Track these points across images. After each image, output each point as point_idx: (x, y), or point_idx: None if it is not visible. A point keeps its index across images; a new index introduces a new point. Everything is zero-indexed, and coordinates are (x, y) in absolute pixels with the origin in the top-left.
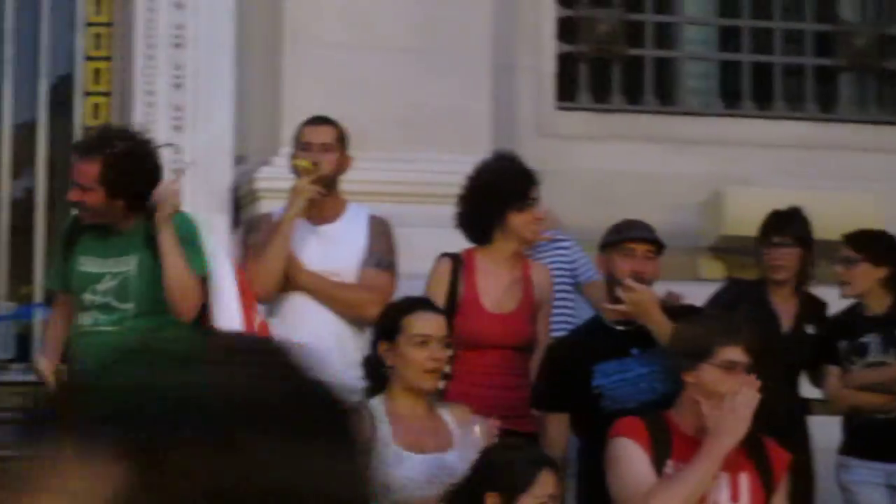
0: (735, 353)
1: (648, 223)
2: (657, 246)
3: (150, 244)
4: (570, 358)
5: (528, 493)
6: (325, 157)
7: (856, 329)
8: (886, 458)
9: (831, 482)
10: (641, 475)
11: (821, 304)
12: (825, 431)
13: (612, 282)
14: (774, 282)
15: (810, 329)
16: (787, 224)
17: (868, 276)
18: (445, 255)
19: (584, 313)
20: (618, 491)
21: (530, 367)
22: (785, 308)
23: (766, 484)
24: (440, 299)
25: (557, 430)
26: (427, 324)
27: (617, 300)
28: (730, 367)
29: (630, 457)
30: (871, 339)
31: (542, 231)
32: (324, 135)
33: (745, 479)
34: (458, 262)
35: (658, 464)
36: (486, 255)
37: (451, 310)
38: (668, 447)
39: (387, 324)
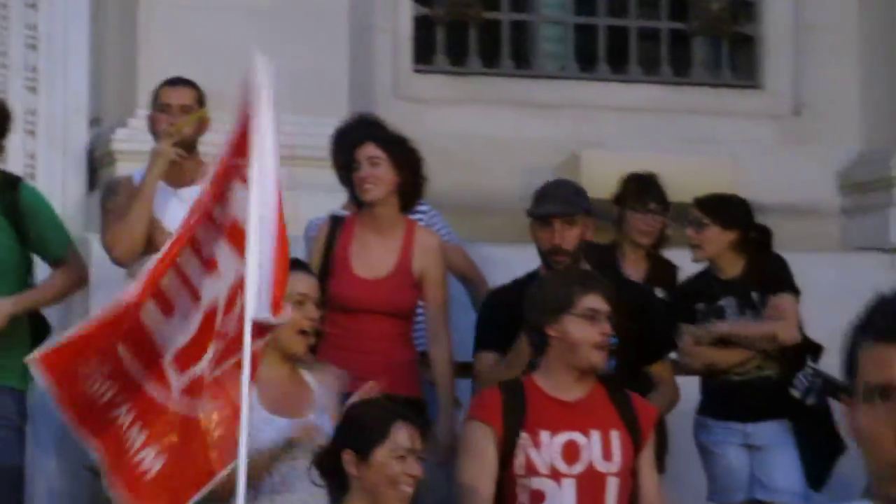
0: (596, 301)
1: (574, 186)
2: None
3: (6, 210)
4: (504, 308)
5: (382, 446)
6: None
7: (712, 292)
8: (743, 418)
9: (687, 442)
10: (482, 480)
11: (671, 268)
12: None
13: (540, 251)
14: (633, 244)
15: (660, 293)
16: (654, 189)
17: (718, 239)
18: (331, 216)
19: None
20: (460, 486)
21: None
22: (635, 271)
23: (634, 440)
24: (316, 260)
25: (484, 365)
26: (303, 284)
27: (548, 268)
28: (592, 315)
29: (476, 451)
30: (727, 303)
31: (373, 191)
32: (183, 96)
33: (616, 437)
34: (337, 224)
35: (510, 441)
36: (365, 219)
37: (325, 272)
38: (521, 418)
39: None
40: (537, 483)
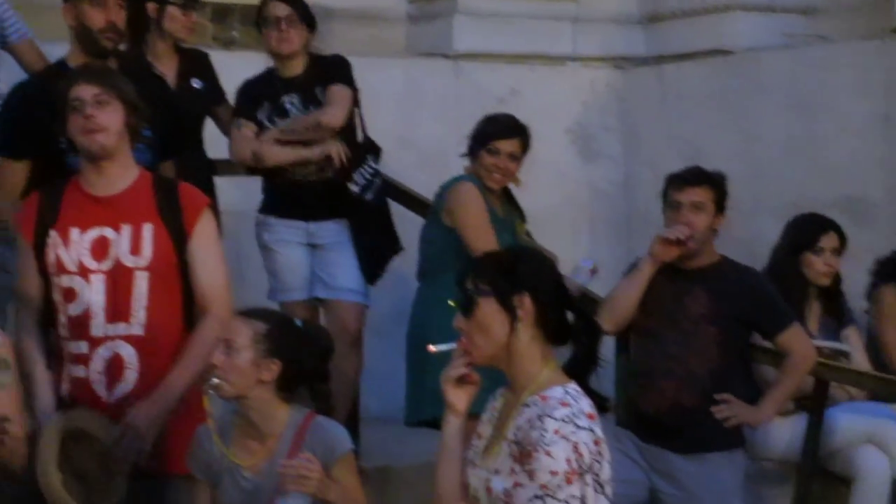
0: (80, 91)
1: None
2: None
3: None
4: (32, 103)
5: None
6: None
7: (275, 91)
8: (305, 216)
9: (249, 243)
10: (25, 283)
11: (201, 56)
12: (235, 192)
13: (83, 31)
14: (163, 40)
15: (196, 83)
16: None
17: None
18: None
19: (13, 76)
20: (15, 292)
21: None
22: (167, 66)
23: (175, 232)
24: None
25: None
26: None
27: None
28: (76, 105)
29: (19, 254)
30: (290, 99)
31: None
32: None
33: (148, 230)
34: None
35: (40, 242)
36: None
37: None
38: (54, 217)
39: None
40: (67, 281)
